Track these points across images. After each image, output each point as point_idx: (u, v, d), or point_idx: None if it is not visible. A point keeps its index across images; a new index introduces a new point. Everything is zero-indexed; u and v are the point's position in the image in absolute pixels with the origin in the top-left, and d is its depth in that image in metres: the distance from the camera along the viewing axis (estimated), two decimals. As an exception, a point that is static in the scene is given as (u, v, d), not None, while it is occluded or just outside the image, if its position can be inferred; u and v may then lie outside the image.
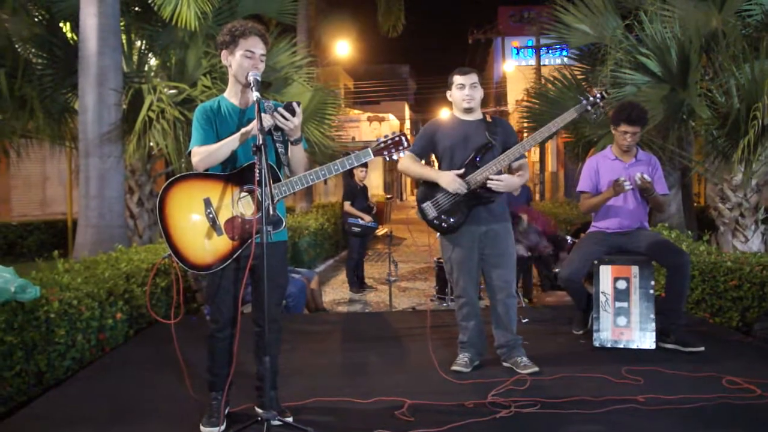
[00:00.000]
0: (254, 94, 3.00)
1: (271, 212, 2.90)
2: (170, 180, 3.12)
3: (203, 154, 3.08)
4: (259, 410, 3.23)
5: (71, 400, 3.73)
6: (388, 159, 3.29)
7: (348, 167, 3.18)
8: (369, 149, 3.24)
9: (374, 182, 28.44)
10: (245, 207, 3.11)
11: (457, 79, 4.15)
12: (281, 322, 3.35)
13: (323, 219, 11.91)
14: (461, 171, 4.04)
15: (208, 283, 3.23)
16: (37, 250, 11.21)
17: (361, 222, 8.55)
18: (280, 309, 3.39)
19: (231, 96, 3.24)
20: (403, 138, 3.26)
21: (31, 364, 3.91)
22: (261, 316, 3.14)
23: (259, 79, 3.06)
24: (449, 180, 4.03)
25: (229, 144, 3.08)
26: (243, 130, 3.08)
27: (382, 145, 3.26)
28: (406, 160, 4.19)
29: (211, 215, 3.07)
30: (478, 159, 4.06)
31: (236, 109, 3.21)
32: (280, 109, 3.04)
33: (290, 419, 3.17)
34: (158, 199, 3.09)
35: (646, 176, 4.51)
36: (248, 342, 3.26)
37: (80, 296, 4.39)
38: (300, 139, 3.15)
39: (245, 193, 3.11)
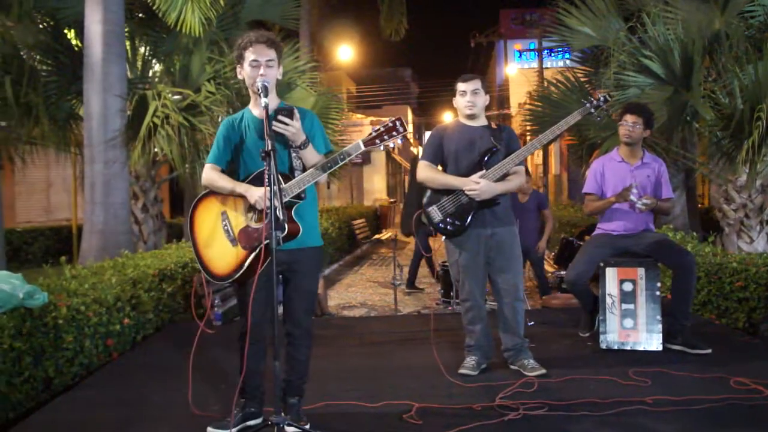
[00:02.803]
0: (262, 100, 3.01)
1: (280, 218, 2.92)
2: (198, 197, 3.30)
3: (210, 180, 3.23)
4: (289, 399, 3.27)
5: (80, 406, 3.75)
6: (382, 148, 3.29)
7: (341, 163, 3.13)
8: (359, 141, 3.15)
9: (377, 186, 28.44)
10: (255, 216, 3.15)
11: (459, 86, 4.20)
12: (311, 328, 3.33)
13: (327, 223, 11.91)
14: (483, 172, 4.05)
15: (238, 295, 3.33)
16: (42, 257, 11.25)
17: None
18: (309, 316, 3.36)
19: (252, 107, 3.31)
20: (398, 123, 3.13)
21: (39, 370, 3.92)
22: (290, 322, 3.25)
23: (267, 85, 3.07)
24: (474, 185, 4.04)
25: (227, 187, 3.16)
26: (238, 190, 3.12)
27: (374, 134, 3.15)
28: (424, 170, 4.22)
29: (226, 227, 3.18)
30: (484, 162, 4.08)
31: (255, 119, 3.25)
32: (280, 117, 3.04)
33: (307, 426, 3.16)
34: (188, 217, 3.30)
35: (648, 202, 4.54)
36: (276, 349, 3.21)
37: (88, 302, 4.41)
38: (306, 142, 3.13)
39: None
